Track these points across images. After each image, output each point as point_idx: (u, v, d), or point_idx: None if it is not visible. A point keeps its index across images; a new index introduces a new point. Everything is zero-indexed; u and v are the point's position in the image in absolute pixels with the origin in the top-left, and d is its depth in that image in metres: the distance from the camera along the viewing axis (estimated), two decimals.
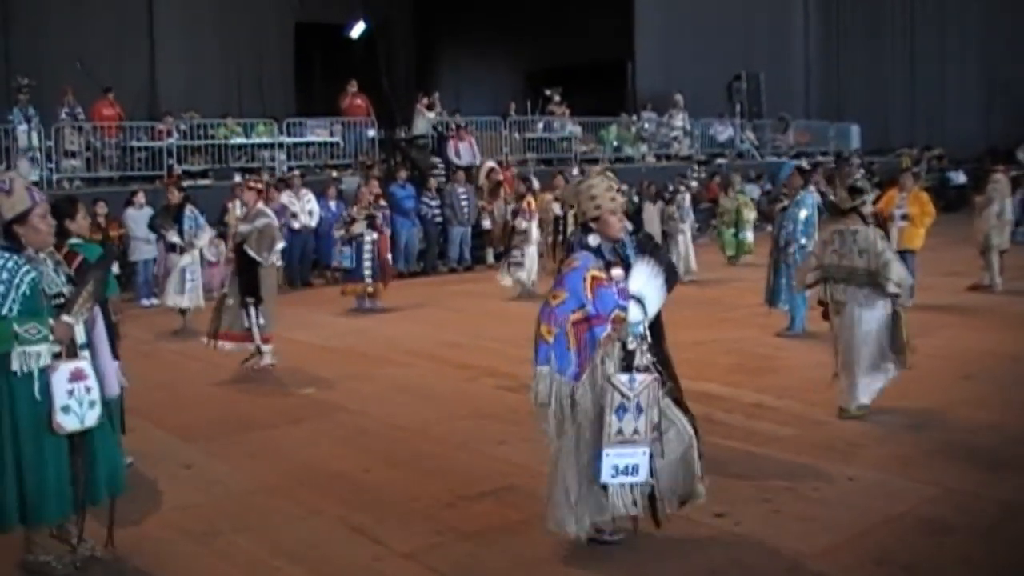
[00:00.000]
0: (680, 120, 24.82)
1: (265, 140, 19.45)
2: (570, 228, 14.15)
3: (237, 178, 17.34)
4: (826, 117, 30.57)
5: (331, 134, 20.34)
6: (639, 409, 4.84)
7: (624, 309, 4.88)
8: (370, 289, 13.38)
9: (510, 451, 6.89)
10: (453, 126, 20.60)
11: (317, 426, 7.81)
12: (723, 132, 26.02)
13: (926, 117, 30.90)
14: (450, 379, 9.33)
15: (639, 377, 4.86)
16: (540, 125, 23.05)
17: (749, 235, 17.72)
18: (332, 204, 17.16)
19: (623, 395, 4.81)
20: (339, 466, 6.70)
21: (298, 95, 26.90)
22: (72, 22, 22.02)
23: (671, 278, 5.06)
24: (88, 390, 4.73)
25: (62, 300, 4.77)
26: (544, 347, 4.90)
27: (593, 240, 5.05)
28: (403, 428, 7.63)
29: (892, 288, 7.25)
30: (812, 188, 11.27)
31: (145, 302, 14.28)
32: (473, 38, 30.14)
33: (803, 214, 10.56)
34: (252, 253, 9.74)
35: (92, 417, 4.75)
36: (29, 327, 4.58)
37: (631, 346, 4.90)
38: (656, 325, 5.08)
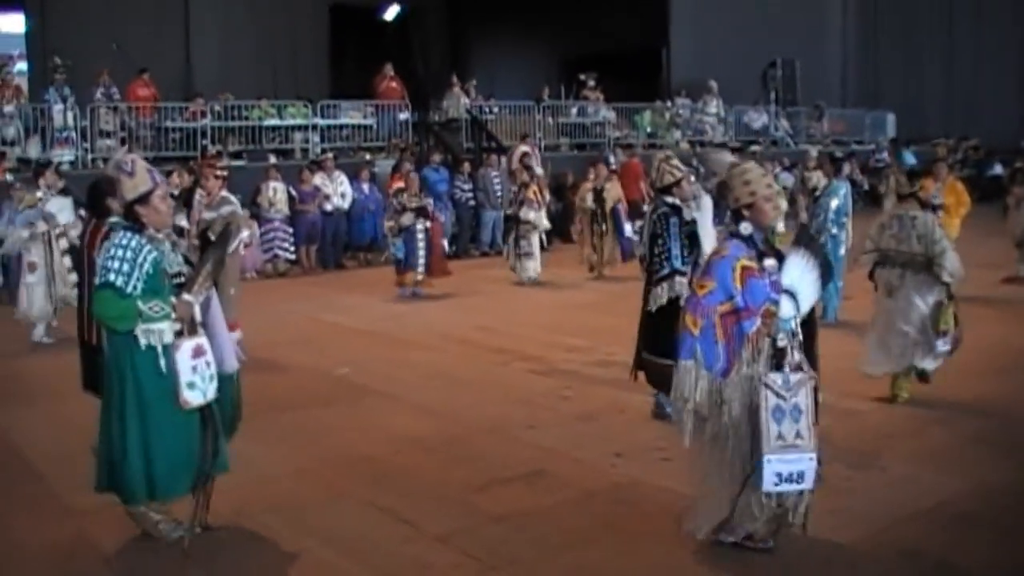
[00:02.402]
0: (714, 107, 24.67)
1: (299, 122, 19.52)
2: (607, 222, 14.26)
3: (272, 159, 17.48)
4: (861, 105, 30.26)
5: (365, 117, 20.37)
6: (798, 411, 4.57)
7: (776, 303, 4.63)
8: (420, 278, 13.13)
9: (540, 436, 6.92)
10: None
11: (348, 409, 7.87)
12: (757, 119, 25.83)
13: (962, 107, 30.51)
14: (481, 364, 9.36)
15: (793, 376, 4.60)
16: (574, 110, 22.95)
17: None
18: (365, 186, 17.28)
19: (779, 396, 4.54)
20: (370, 449, 6.75)
21: (332, 77, 26.98)
22: (109, 4, 22.23)
23: (825, 273, 4.81)
24: (208, 364, 4.88)
25: (182, 279, 4.93)
26: (689, 339, 4.63)
27: (745, 228, 4.74)
28: (434, 412, 7.66)
29: (946, 277, 7.23)
30: (844, 177, 11.19)
31: None
32: (508, 23, 30.07)
33: (835, 203, 10.50)
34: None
35: (212, 391, 4.92)
36: (152, 305, 4.74)
37: (781, 343, 4.64)
38: (808, 322, 4.82)
